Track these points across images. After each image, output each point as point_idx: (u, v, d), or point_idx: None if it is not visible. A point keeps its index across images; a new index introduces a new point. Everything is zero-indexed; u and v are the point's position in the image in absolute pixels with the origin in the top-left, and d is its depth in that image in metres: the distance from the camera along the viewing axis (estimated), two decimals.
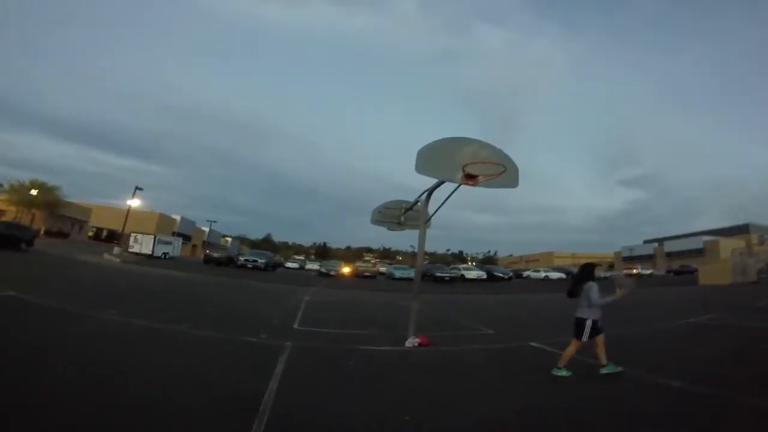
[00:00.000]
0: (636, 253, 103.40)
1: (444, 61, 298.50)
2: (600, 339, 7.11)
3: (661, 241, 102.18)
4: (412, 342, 9.26)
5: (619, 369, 7.03)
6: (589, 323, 7.05)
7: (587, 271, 7.50)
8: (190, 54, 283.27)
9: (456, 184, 9.76)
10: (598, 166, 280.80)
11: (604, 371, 7.00)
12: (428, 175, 9.61)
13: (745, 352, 9.59)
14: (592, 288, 7.11)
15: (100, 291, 14.83)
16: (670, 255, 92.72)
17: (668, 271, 71.07)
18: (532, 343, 10.02)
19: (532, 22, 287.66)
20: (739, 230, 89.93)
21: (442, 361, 8.43)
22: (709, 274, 42.03)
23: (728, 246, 69.64)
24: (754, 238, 77.94)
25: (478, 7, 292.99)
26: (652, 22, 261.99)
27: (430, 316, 11.95)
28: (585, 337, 7.04)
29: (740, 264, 40.75)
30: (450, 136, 9.55)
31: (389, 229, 15.68)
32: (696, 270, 50.73)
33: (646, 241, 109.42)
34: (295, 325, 11.37)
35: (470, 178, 9.25)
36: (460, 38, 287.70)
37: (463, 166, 9.17)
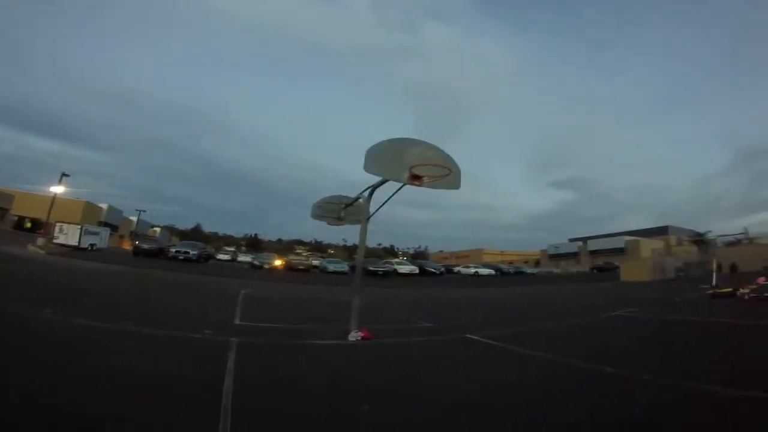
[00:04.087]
0: (561, 251, 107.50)
1: (390, 57, 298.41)
2: None
3: (585, 239, 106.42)
4: (355, 336, 9.47)
5: None
6: None
7: None
8: (125, 36, 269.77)
9: (401, 184, 10.03)
10: (529, 167, 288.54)
11: None
12: (376, 174, 9.85)
13: (661, 339, 10.52)
14: None
15: (30, 287, 14.17)
16: (593, 253, 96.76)
17: (592, 268, 74.23)
18: (469, 335, 10.48)
19: (478, 21, 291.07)
20: (659, 232, 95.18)
21: (387, 353, 8.78)
22: (630, 271, 44.50)
23: (648, 246, 73.60)
24: (673, 239, 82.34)
25: (429, 4, 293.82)
26: (588, 30, 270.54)
27: (367, 310, 12.22)
28: None
29: (659, 263, 43.42)
30: (390, 131, 9.85)
31: (329, 224, 15.73)
32: (618, 267, 53.34)
33: (571, 240, 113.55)
34: (237, 321, 11.29)
35: (416, 179, 9.54)
36: (408, 35, 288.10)
37: (410, 167, 9.46)
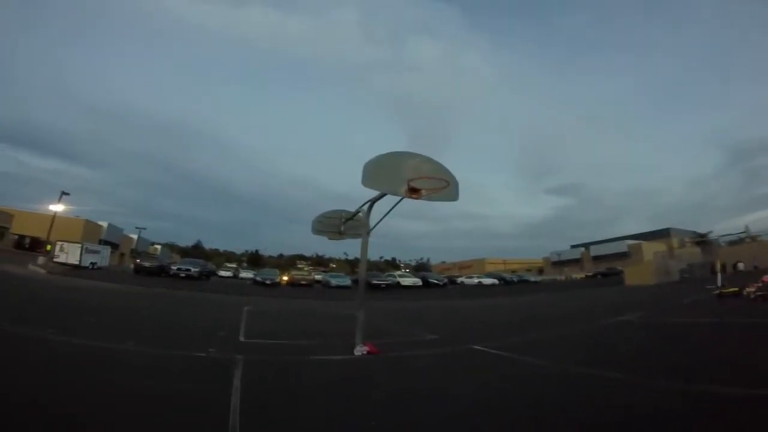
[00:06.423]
0: (564, 257, 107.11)
1: (379, 70, 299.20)
2: None
3: (587, 245, 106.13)
4: (360, 350, 9.46)
5: None
6: None
7: None
8: (121, 55, 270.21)
9: (400, 197, 10.02)
10: (525, 175, 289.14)
11: None
12: (374, 188, 9.88)
13: (669, 343, 10.52)
14: None
15: (32, 307, 14.16)
16: (596, 258, 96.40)
17: (595, 274, 73.99)
18: (475, 346, 10.47)
19: (465, 34, 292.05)
20: (661, 234, 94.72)
21: (394, 366, 8.77)
22: (634, 275, 44.31)
23: (651, 249, 73.23)
24: (675, 241, 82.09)
25: (415, 19, 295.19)
26: (574, 36, 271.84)
27: (371, 324, 12.15)
28: None
29: (663, 265, 43.30)
30: (385, 145, 9.88)
31: (330, 238, 15.75)
32: (621, 272, 53.23)
33: (573, 246, 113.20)
34: (241, 338, 11.28)
35: (414, 192, 9.56)
36: (397, 50, 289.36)
37: (408, 180, 9.47)
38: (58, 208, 48.08)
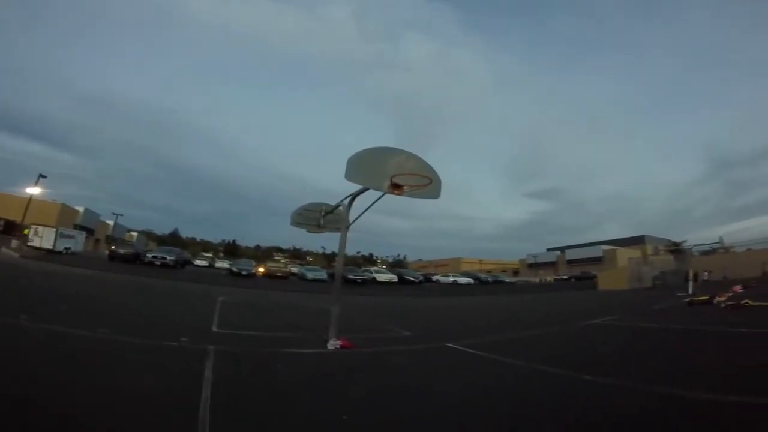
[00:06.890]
0: (540, 260, 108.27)
1: (371, 68, 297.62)
2: None
3: (563, 249, 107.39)
4: (334, 344, 9.43)
5: None
6: None
7: None
8: (107, 40, 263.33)
9: (381, 193, 10.02)
10: (506, 178, 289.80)
11: None
12: (357, 182, 9.84)
13: (639, 347, 10.68)
14: None
15: (4, 292, 13.96)
16: (571, 262, 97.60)
17: (570, 277, 74.91)
18: (448, 344, 10.50)
19: (457, 34, 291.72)
20: (636, 241, 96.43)
21: (367, 362, 8.74)
22: (607, 280, 44.96)
23: (625, 255, 74.45)
24: (649, 248, 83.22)
25: (410, 16, 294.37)
26: (562, 42, 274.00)
27: (346, 318, 12.11)
28: None
29: (636, 271, 43.93)
30: (370, 141, 9.82)
31: (309, 231, 15.65)
32: (595, 276, 53.85)
33: (549, 249, 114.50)
34: (214, 328, 11.20)
35: (396, 188, 9.56)
36: (389, 47, 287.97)
37: (391, 176, 9.46)
38: (34, 191, 47.18)
